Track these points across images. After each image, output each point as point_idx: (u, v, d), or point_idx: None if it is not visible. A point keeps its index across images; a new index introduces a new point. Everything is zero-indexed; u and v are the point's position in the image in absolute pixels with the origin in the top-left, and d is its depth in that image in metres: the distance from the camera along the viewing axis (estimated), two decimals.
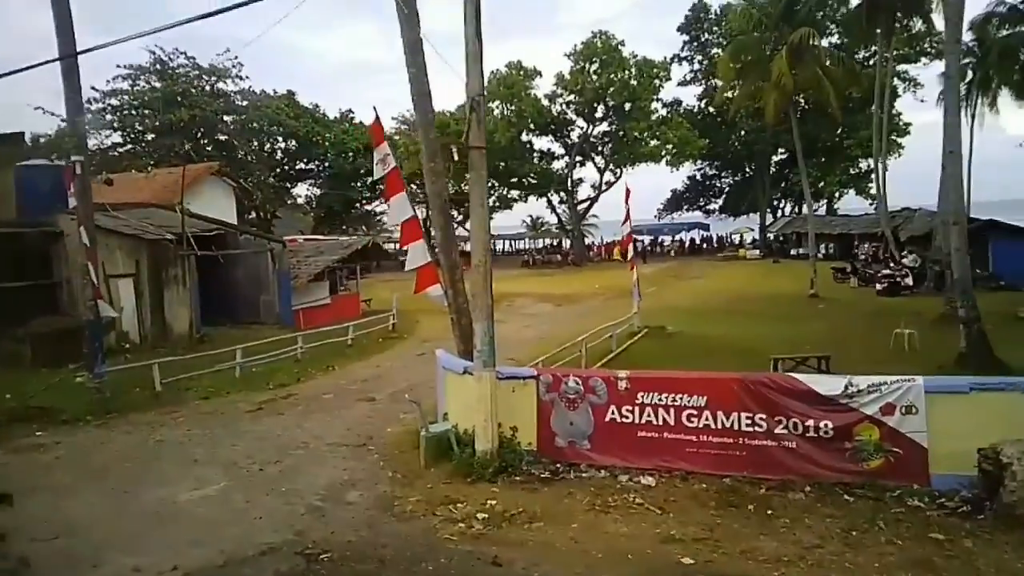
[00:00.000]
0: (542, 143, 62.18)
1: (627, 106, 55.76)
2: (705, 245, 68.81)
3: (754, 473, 9.47)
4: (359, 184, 63.62)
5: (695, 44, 61.55)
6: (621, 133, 58.06)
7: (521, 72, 56.66)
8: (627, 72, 54.28)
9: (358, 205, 68.27)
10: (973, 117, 46.77)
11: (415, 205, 12.01)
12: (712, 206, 68.54)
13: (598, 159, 61.08)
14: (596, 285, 40.17)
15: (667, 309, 28.00)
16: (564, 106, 58.46)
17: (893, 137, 50.47)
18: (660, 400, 9.99)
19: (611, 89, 55.75)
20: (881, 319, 25.02)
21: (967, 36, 46.53)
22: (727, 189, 66.86)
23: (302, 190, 66.15)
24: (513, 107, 55.36)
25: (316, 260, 29.99)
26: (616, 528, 8.21)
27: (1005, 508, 7.85)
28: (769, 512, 8.51)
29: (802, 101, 49.11)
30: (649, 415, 10.05)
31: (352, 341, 23.88)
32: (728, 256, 57.26)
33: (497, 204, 65.91)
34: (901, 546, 7.43)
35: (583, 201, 61.75)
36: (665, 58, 58.17)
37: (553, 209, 64.66)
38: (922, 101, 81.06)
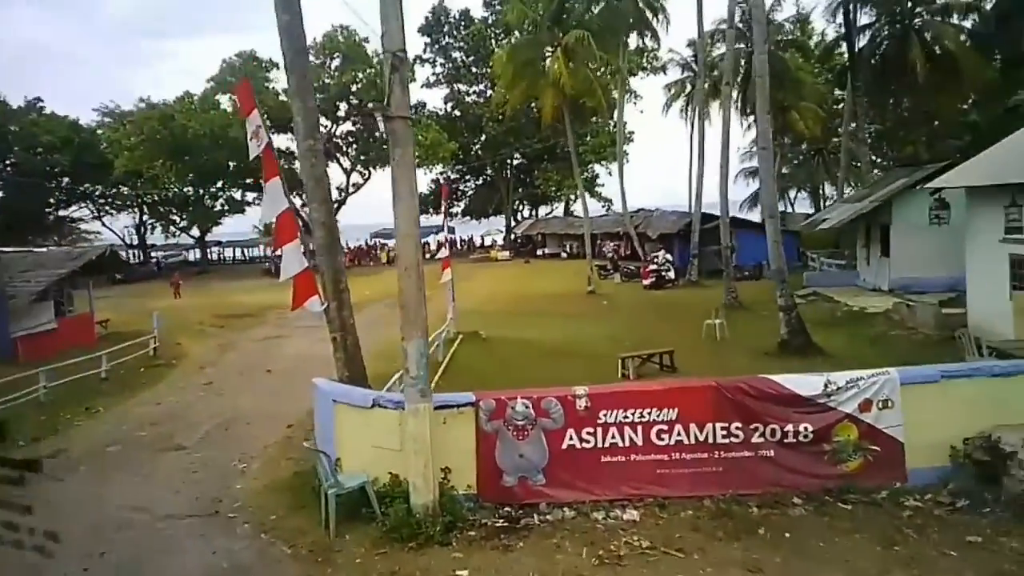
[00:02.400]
0: (281, 141, 57.70)
1: (371, 105, 53.63)
2: (455, 247, 68.88)
3: (734, 490, 8.50)
4: (55, 184, 54.21)
5: (436, 47, 61.10)
6: (366, 133, 55.82)
7: (256, 63, 52.04)
8: (372, 70, 52.20)
9: (51, 211, 58.26)
10: (692, 124, 51.87)
11: (289, 194, 9.39)
12: (455, 209, 68.74)
13: (344, 160, 58.16)
14: (367, 291, 37.73)
15: (461, 313, 26.75)
16: None
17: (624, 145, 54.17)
18: (626, 417, 8.63)
19: (355, 87, 53.32)
20: (671, 311, 26.19)
21: (687, 52, 51.71)
22: (471, 193, 67.42)
23: None
24: None
25: (37, 276, 24.25)
26: None
27: (1015, 498, 7.63)
28: (787, 535, 7.56)
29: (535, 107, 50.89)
30: (614, 436, 8.65)
31: (107, 374, 19.40)
32: (481, 258, 57.57)
33: (227, 207, 60.18)
34: (963, 559, 6.83)
35: None
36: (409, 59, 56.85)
37: (297, 212, 60.36)
38: (641, 112, 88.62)
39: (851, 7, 34.58)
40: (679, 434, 8.61)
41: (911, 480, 8.54)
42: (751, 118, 48.38)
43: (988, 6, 37.04)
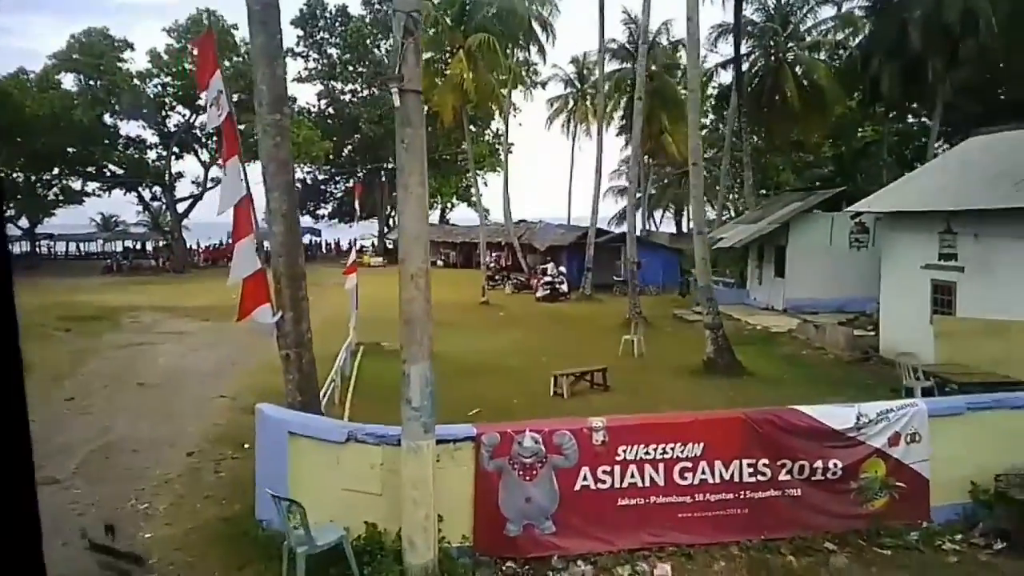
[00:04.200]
0: (131, 128, 52.67)
1: (235, 96, 49.97)
2: (322, 252, 65.60)
3: (760, 535, 7.62)
4: None
5: (310, 40, 57.99)
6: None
7: (108, 41, 47.12)
8: (239, 59, 48.62)
9: None
10: (574, 139, 52.21)
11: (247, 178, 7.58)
12: (322, 211, 65.48)
13: (202, 153, 53.82)
14: (232, 295, 34.62)
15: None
16: (161, 88, 50.18)
17: (501, 155, 53.60)
18: (647, 453, 7.53)
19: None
20: (573, 324, 25.53)
21: (570, 68, 51.92)
22: (340, 195, 64.43)
23: None
24: (103, 82, 45.64)
25: None
26: None
27: None
28: None
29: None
30: (633, 475, 7.52)
31: None
32: (352, 263, 54.78)
33: (62, 197, 54.24)
34: None
35: (184, 199, 53.70)
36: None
37: (147, 207, 55.18)
38: (520, 125, 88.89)
39: (738, 36, 35.70)
40: (703, 472, 7.62)
41: (934, 518, 7.99)
42: (623, 138, 49.67)
43: (854, 43, 39.51)
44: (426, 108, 42.79)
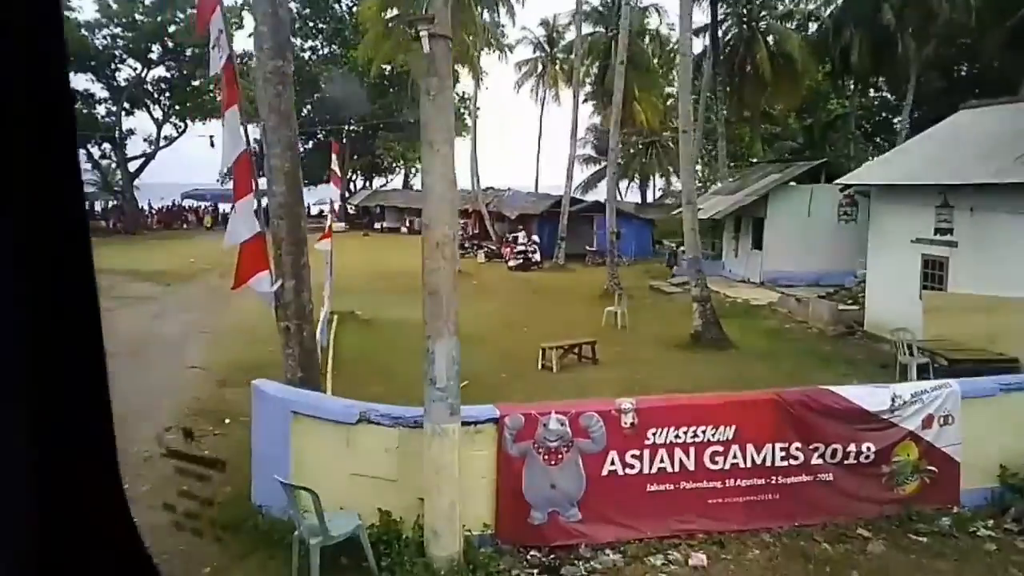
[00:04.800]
0: (78, 82, 50.09)
1: (190, 51, 47.86)
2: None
3: (791, 521, 7.26)
4: None
5: None
6: (182, 81, 49.96)
7: None
8: (193, 11, 46.42)
9: None
10: (543, 104, 51.31)
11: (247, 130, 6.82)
12: None
13: (155, 109, 51.59)
14: (191, 259, 33.42)
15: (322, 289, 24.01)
16: (111, 40, 47.80)
17: (467, 119, 52.41)
18: (677, 437, 7.08)
19: (172, 28, 47.35)
20: (549, 294, 25.04)
21: (540, 32, 50.80)
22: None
23: None
24: None
25: None
26: None
27: None
28: None
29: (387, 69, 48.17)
30: (662, 459, 7.07)
31: None
32: (314, 228, 53.31)
33: None
34: None
35: (136, 157, 51.46)
36: (237, 2, 51.39)
37: (96, 165, 52.75)
38: (486, 88, 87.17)
39: (715, 3, 35.19)
40: (735, 456, 7.21)
41: (963, 503, 7.73)
42: (590, 104, 48.93)
43: (826, 13, 39.34)
44: (395, 67, 41.39)
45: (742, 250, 26.71)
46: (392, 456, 6.60)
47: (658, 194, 63.62)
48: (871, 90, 44.26)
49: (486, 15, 40.00)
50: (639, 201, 63.72)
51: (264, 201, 7.50)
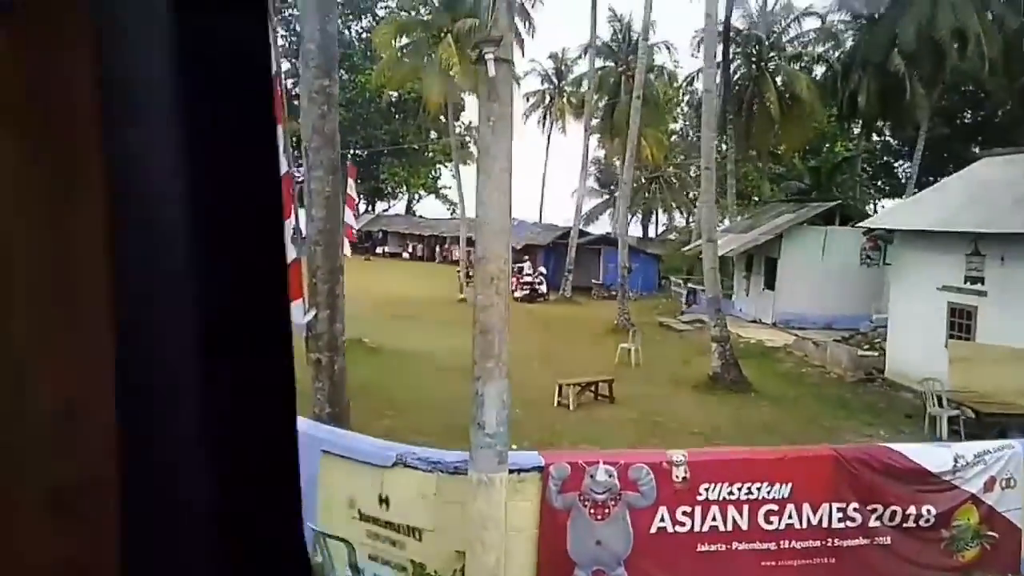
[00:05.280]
0: None
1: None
2: None
3: None
4: None
5: (278, 16, 55.92)
6: None
7: None
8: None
9: None
10: (549, 135, 51.34)
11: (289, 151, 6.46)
12: None
13: None
14: None
15: None
16: None
17: (472, 147, 52.36)
18: (731, 493, 6.63)
19: None
20: (559, 328, 24.62)
21: (548, 64, 51.01)
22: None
23: None
24: None
25: None
26: None
27: None
28: None
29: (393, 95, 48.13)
30: (715, 517, 6.61)
31: None
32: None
33: None
34: None
35: None
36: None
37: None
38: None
39: (727, 42, 35.24)
40: (790, 516, 6.74)
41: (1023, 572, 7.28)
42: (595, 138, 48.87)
43: (835, 56, 39.52)
44: (406, 94, 41.27)
45: (754, 290, 26.37)
46: (429, 503, 6.13)
47: (661, 229, 63.44)
48: (874, 134, 44.41)
49: None
50: (641, 235, 63.64)
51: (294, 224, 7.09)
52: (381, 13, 44.01)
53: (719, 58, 36.99)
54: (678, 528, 6.53)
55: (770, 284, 24.86)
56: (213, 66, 0.62)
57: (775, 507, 6.72)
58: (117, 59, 0.60)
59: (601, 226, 53.02)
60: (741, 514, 6.66)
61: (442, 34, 28.07)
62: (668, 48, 44.85)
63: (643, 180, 59.87)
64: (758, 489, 6.67)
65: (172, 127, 0.60)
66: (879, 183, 50.72)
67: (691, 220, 55.72)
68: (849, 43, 39.27)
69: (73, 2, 0.60)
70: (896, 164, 50.14)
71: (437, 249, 49.75)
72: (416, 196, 58.79)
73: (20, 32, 0.60)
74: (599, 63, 42.41)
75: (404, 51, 29.56)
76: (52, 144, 0.61)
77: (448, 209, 58.08)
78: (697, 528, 6.56)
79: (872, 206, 42.66)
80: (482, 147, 5.48)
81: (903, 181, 47.41)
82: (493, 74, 5.21)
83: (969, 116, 44.73)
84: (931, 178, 41.53)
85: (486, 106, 5.44)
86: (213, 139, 0.63)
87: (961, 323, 15.16)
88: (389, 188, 60.65)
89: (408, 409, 13.91)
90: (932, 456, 7.12)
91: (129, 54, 0.60)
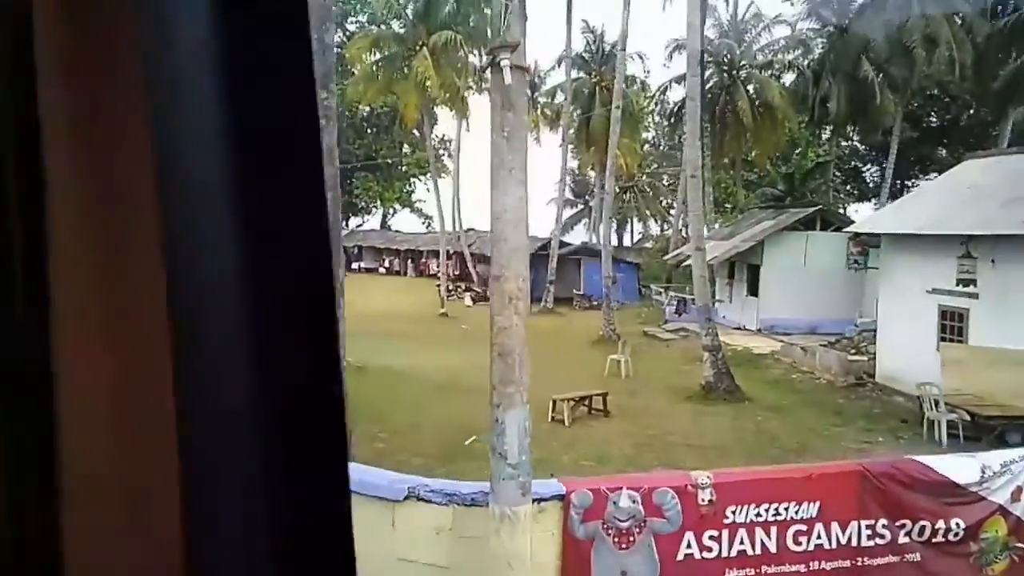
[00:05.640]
0: None
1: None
2: None
3: None
4: None
5: None
6: None
7: None
8: None
9: None
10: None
11: None
12: None
13: None
14: None
15: None
16: None
17: (446, 160, 51.95)
18: (759, 515, 6.34)
19: None
20: (543, 340, 24.16)
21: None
22: None
23: None
24: None
25: None
26: None
27: None
28: None
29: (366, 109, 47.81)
30: (742, 540, 6.31)
31: None
32: None
33: None
34: None
35: None
36: None
37: None
38: (468, 131, 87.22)
39: (702, 52, 35.38)
40: (819, 536, 6.47)
41: None
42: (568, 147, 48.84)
43: (805, 63, 39.89)
44: (379, 108, 40.82)
45: (737, 296, 26.31)
46: (444, 539, 5.76)
47: (636, 237, 63.59)
48: (842, 139, 44.89)
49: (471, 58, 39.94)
50: (617, 244, 63.68)
51: None
52: (352, 28, 43.55)
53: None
54: (705, 554, 6.22)
55: (753, 291, 24.82)
56: (261, 88, 0.61)
57: (804, 527, 6.45)
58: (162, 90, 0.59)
59: (576, 236, 52.76)
60: (769, 536, 6.37)
61: (417, 47, 27.75)
62: (641, 58, 44.84)
63: (617, 189, 60.02)
64: (786, 509, 6.39)
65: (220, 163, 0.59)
66: (848, 187, 51.18)
67: (666, 228, 55.79)
68: (819, 50, 39.63)
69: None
70: (864, 168, 50.68)
71: (410, 263, 49.27)
72: (391, 210, 58.22)
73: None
74: (574, 74, 42.44)
75: (378, 65, 29.19)
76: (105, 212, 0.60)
77: (423, 223, 57.62)
78: (725, 553, 6.27)
79: (843, 209, 43.00)
80: (495, 160, 5.15)
81: (871, 185, 48.02)
82: (509, 81, 4.90)
83: (935, 119, 45.35)
84: (899, 181, 42.21)
85: (500, 115, 5.13)
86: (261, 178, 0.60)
87: (952, 326, 15.12)
88: (363, 203, 60.03)
89: (400, 431, 13.50)
90: (959, 467, 6.91)
91: (174, 81, 0.59)
